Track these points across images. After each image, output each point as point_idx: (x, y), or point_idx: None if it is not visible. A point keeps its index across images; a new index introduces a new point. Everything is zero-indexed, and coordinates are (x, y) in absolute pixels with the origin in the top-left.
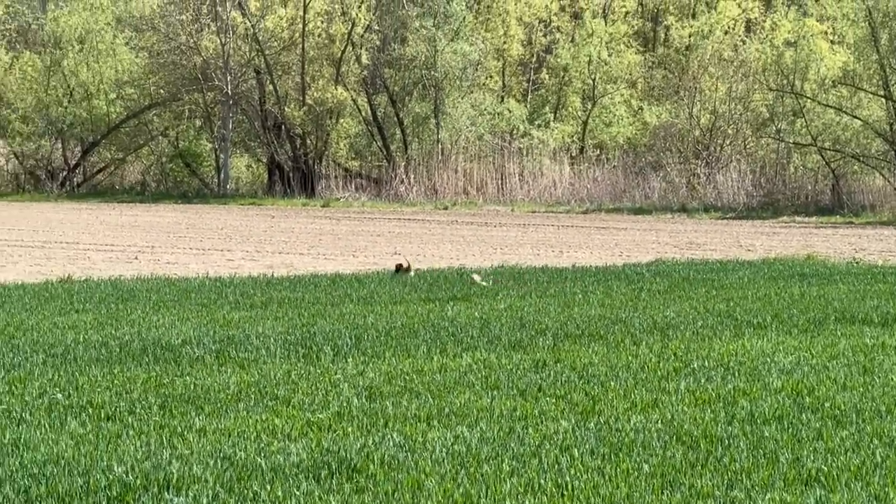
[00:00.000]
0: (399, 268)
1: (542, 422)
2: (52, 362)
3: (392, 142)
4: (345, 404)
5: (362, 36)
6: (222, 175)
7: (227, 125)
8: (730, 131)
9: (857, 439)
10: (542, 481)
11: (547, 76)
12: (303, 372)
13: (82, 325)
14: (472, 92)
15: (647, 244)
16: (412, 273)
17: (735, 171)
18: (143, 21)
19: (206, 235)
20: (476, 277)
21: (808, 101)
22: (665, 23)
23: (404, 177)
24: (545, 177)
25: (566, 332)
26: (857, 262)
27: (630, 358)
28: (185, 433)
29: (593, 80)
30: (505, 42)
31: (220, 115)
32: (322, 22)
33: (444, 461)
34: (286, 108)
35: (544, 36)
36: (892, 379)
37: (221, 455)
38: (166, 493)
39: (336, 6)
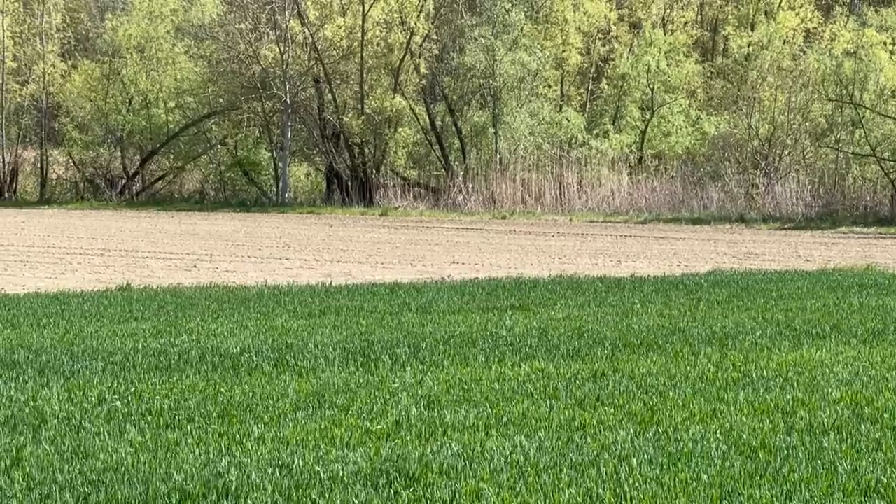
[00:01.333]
0: None
1: (600, 431)
2: (112, 370)
3: (450, 151)
4: (403, 413)
5: (421, 45)
6: (280, 184)
7: (286, 134)
8: (788, 141)
9: None
10: (601, 491)
11: (605, 86)
12: (361, 381)
13: (141, 332)
14: (530, 101)
15: (705, 254)
16: None
17: (794, 181)
18: (203, 30)
19: (265, 244)
20: None
21: (867, 111)
22: (724, 33)
23: (462, 186)
24: (603, 186)
25: (624, 342)
26: None
27: (688, 368)
28: (244, 441)
29: (652, 89)
30: (563, 51)
31: (278, 123)
32: (381, 31)
33: (502, 470)
34: (344, 117)
35: (603, 45)
36: None
37: (279, 463)
38: (225, 501)
39: (394, 15)
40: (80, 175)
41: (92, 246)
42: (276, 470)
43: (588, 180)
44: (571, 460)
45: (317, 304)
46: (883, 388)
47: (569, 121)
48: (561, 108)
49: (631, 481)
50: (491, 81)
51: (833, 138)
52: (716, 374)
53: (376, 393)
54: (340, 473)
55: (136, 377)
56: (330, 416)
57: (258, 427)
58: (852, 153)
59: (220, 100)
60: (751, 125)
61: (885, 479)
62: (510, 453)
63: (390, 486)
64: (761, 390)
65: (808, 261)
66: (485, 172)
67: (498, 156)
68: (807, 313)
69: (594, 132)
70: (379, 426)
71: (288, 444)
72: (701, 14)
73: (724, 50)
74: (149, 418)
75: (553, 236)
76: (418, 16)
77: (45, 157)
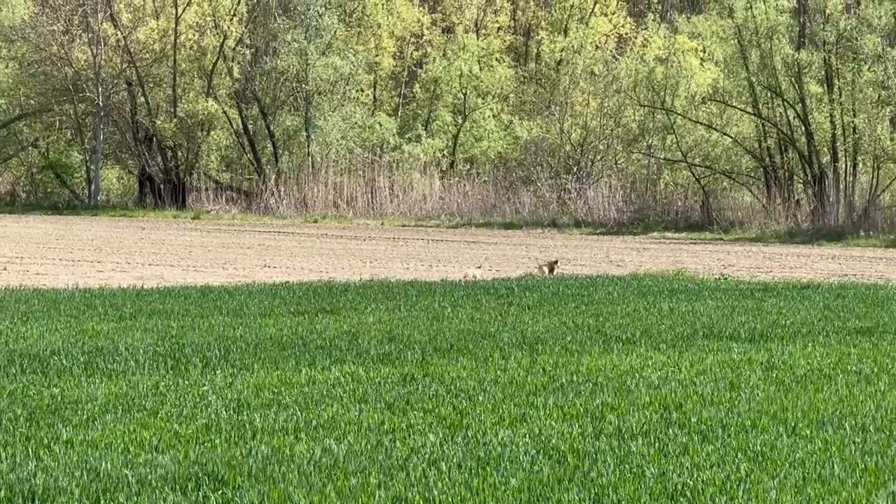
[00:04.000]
0: (552, 267)
1: (409, 435)
2: None
3: (263, 155)
4: (213, 416)
5: (234, 49)
6: (93, 186)
7: (99, 137)
8: (601, 147)
9: (723, 454)
10: (410, 495)
11: (418, 90)
12: (171, 384)
13: None
14: (343, 105)
15: (516, 259)
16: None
17: (606, 186)
18: (14, 31)
19: (77, 247)
20: (476, 273)
21: (679, 117)
22: (537, 38)
23: (274, 189)
24: (415, 191)
25: (435, 346)
26: (725, 279)
27: (498, 372)
28: (52, 445)
29: (464, 94)
30: (377, 55)
31: (91, 126)
32: (194, 34)
33: (311, 474)
34: (157, 121)
35: (416, 50)
36: (757, 394)
37: (87, 467)
38: None
39: (208, 19)
40: None
41: None
42: (84, 474)
43: (400, 184)
44: (380, 464)
45: (128, 308)
46: (691, 392)
47: (381, 125)
48: (373, 112)
49: (440, 485)
50: (304, 85)
51: (645, 144)
52: (525, 379)
53: (186, 396)
54: (149, 477)
55: None
56: (139, 419)
57: (66, 430)
58: (664, 159)
59: (32, 101)
60: (563, 130)
61: (691, 483)
62: (319, 457)
63: (199, 490)
64: (571, 395)
65: (619, 266)
66: (297, 176)
67: (310, 159)
68: (617, 318)
69: (406, 136)
70: (187, 428)
71: (96, 448)
72: (514, 19)
73: (536, 55)
74: None
75: (365, 240)
76: (231, 19)
77: None
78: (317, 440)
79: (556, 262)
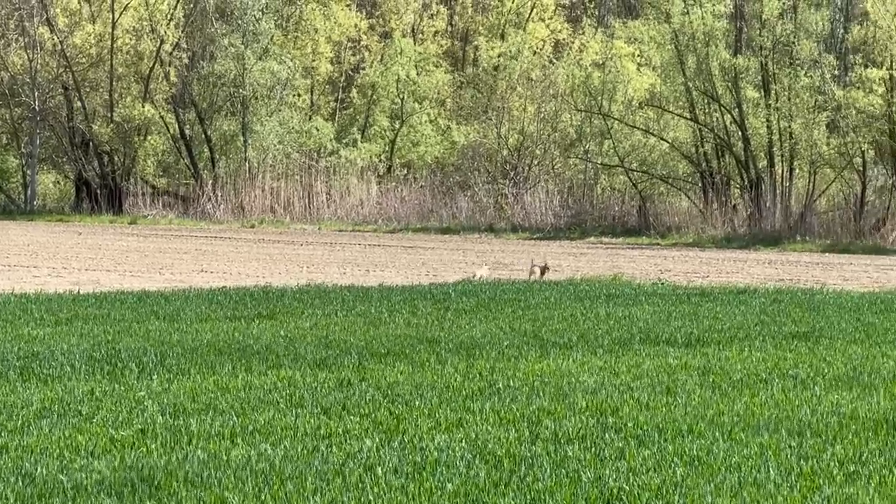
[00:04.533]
0: (544, 270)
1: (346, 440)
2: None
3: (200, 159)
4: (149, 421)
5: (171, 53)
6: (29, 191)
7: (35, 141)
8: (538, 152)
9: (659, 458)
10: (346, 500)
11: (355, 95)
12: (107, 389)
13: None
14: (280, 110)
15: (454, 264)
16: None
17: (543, 191)
18: None
19: (12, 251)
20: (484, 273)
21: (616, 122)
22: (474, 43)
23: (212, 194)
24: (352, 196)
25: (371, 351)
26: (662, 283)
27: (435, 377)
28: None
29: (402, 99)
30: (314, 60)
31: (27, 130)
32: (131, 39)
33: (247, 479)
34: (94, 125)
35: (353, 55)
36: (693, 399)
37: (22, 472)
38: None
39: (144, 23)
40: None
41: None
42: (19, 479)
43: (337, 189)
44: (317, 469)
45: (64, 313)
46: (627, 397)
47: (318, 130)
48: (311, 117)
49: (376, 490)
50: (241, 90)
51: (582, 149)
52: (462, 384)
53: (122, 401)
54: (84, 482)
55: None
56: (75, 424)
57: (1, 436)
58: (601, 164)
59: None
60: (500, 135)
61: (627, 487)
62: (255, 462)
63: (135, 495)
64: (507, 400)
65: (556, 271)
66: (234, 181)
67: (247, 164)
68: (554, 323)
69: (343, 141)
70: (123, 433)
71: (32, 453)
72: (451, 24)
73: (474, 60)
74: None
75: (302, 245)
76: (168, 24)
77: None
78: (253, 445)
79: (547, 266)
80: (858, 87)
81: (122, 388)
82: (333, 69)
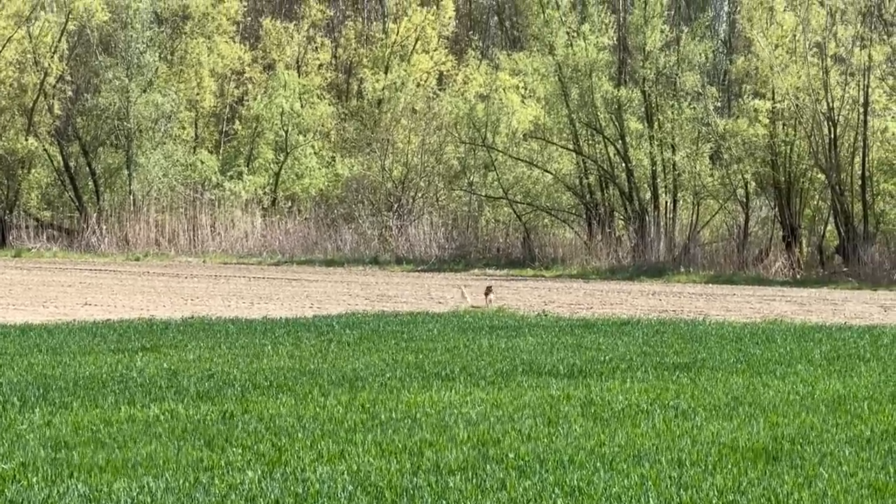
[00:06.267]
0: (488, 290)
1: (228, 472)
2: None
3: (84, 192)
4: (30, 455)
5: (55, 86)
6: None
7: None
8: (422, 184)
9: (540, 489)
10: None
11: (240, 127)
12: None
13: None
14: (164, 143)
15: (338, 296)
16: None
17: (427, 223)
18: None
19: None
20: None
21: (500, 154)
22: (359, 75)
23: (96, 227)
24: (237, 228)
25: (254, 384)
26: (545, 315)
27: (318, 409)
28: None
29: (286, 131)
30: (198, 93)
31: None
32: (14, 71)
33: None
34: None
35: (237, 87)
36: (575, 429)
37: None
38: None
39: (28, 56)
40: None
41: None
42: None
43: (222, 222)
44: (198, 501)
45: None
46: (509, 428)
47: (203, 162)
48: (195, 149)
49: None
50: (125, 123)
51: (466, 181)
52: (345, 416)
53: (3, 435)
54: None
55: None
56: None
57: None
58: (485, 196)
59: None
60: (384, 167)
61: None
62: (137, 494)
63: None
64: (389, 431)
65: (440, 303)
66: (119, 214)
67: (132, 197)
68: (437, 355)
69: (228, 174)
70: (3, 466)
71: None
72: (335, 57)
73: (358, 92)
74: None
75: (186, 278)
76: (52, 56)
77: None
78: (135, 478)
79: (490, 287)
80: (744, 117)
81: (4, 421)
82: (217, 102)
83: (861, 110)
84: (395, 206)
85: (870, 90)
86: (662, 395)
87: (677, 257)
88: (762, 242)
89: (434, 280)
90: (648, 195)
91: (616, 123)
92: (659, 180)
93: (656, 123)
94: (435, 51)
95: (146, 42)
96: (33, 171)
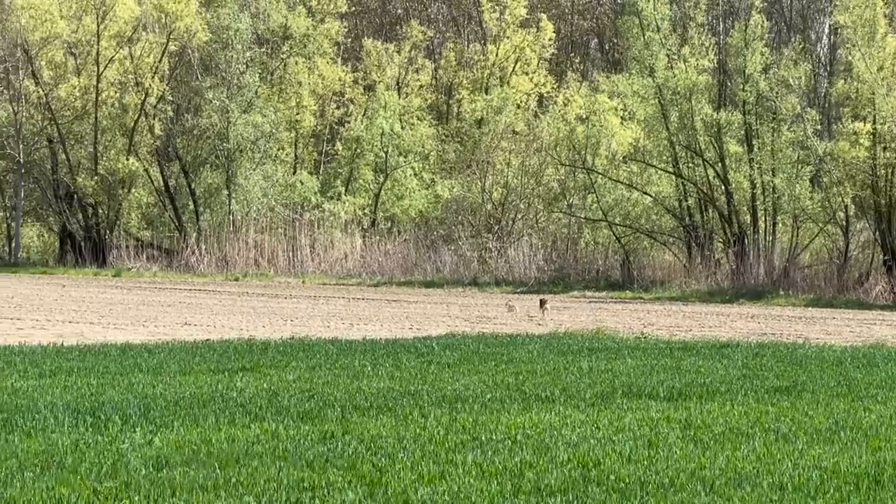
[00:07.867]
0: (542, 302)
1: (328, 493)
2: None
3: (184, 212)
4: (132, 474)
5: (155, 106)
6: (13, 244)
7: (19, 194)
8: (522, 206)
9: None
10: None
11: (340, 148)
12: (90, 441)
13: None
14: (264, 163)
15: (437, 317)
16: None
17: (526, 245)
18: None
19: None
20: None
21: (599, 176)
22: (458, 97)
23: (195, 247)
24: (336, 249)
25: (354, 404)
26: (644, 337)
27: (418, 430)
28: None
29: (386, 152)
30: (298, 114)
31: (11, 183)
32: (115, 92)
33: None
34: (78, 178)
35: (337, 108)
36: (675, 452)
37: None
38: None
39: (129, 76)
40: None
41: None
42: None
43: (321, 243)
44: None
45: (48, 365)
46: (609, 450)
47: (302, 183)
48: (295, 170)
49: None
50: (225, 143)
51: (565, 203)
52: (445, 437)
53: (105, 453)
54: None
55: None
56: (58, 476)
57: None
58: (584, 218)
59: None
60: (484, 189)
61: None
62: None
63: None
64: (490, 452)
65: (539, 324)
66: (218, 234)
67: (231, 217)
68: (537, 377)
69: (328, 195)
70: (107, 485)
71: None
72: (435, 78)
73: (458, 114)
74: None
75: (285, 298)
76: (153, 77)
77: None
78: (236, 497)
79: (544, 299)
80: (844, 140)
81: (106, 440)
82: (317, 122)
83: None
84: (495, 227)
85: None
86: (763, 419)
87: (776, 280)
88: (862, 266)
89: (533, 302)
90: (748, 218)
91: (715, 146)
92: (758, 203)
93: (755, 146)
94: (535, 72)
95: (246, 62)
96: (134, 191)
